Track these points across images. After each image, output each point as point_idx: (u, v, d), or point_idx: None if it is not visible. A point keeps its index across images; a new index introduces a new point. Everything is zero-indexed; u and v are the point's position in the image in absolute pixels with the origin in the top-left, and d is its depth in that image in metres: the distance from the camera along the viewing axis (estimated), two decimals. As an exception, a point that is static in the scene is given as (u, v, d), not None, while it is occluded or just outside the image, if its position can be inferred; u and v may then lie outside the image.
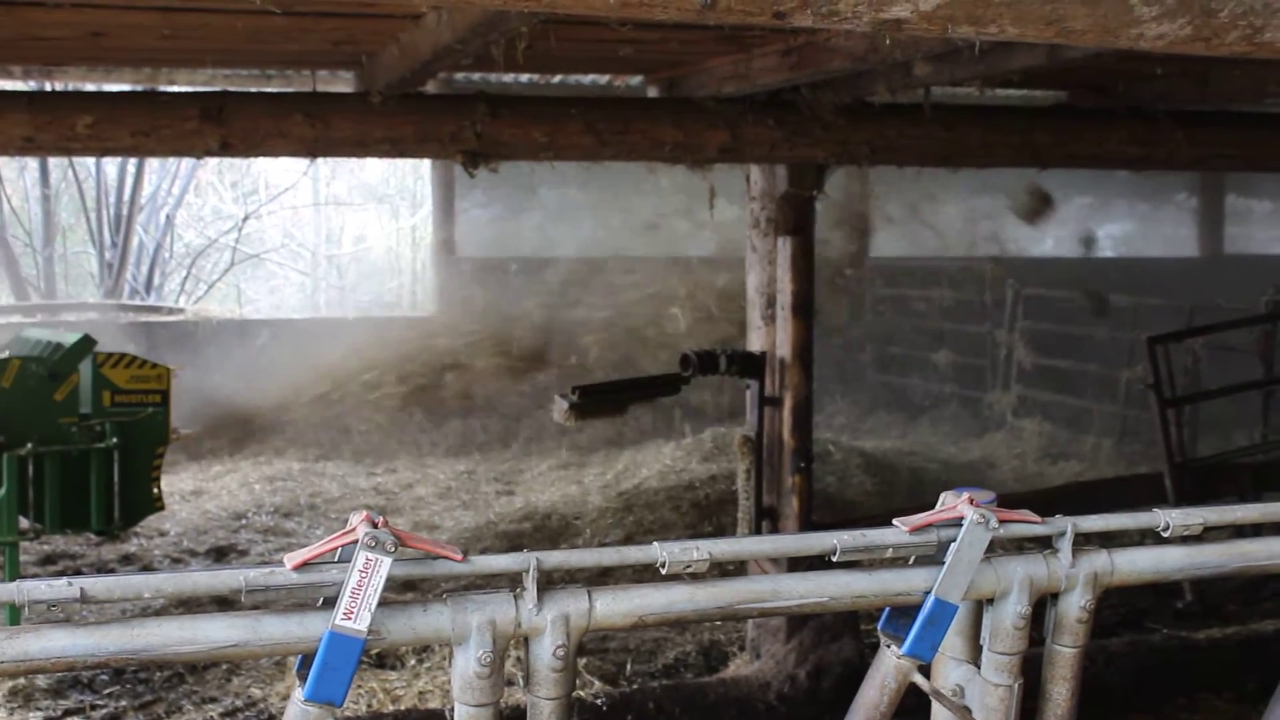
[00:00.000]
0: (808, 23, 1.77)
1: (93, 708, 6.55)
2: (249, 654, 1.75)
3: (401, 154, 5.93)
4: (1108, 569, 2.08)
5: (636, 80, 7.41)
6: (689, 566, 1.86)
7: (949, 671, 2.10)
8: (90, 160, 17.55)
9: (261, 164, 21.69)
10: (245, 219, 22.37)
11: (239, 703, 6.62)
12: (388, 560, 1.73)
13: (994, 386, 14.36)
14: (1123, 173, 12.00)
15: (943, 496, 2.04)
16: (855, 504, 10.65)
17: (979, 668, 2.08)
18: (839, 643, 6.48)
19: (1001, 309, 14.30)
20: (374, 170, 23.28)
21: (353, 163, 21.52)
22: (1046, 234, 16.79)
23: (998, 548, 2.03)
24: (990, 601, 2.05)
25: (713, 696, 6.43)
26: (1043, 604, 2.09)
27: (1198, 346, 11.17)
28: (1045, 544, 2.09)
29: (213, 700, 6.66)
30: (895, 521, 1.99)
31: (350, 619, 1.72)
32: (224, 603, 1.83)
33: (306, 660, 1.76)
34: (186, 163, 19.08)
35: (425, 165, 17.16)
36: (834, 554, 1.94)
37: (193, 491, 11.45)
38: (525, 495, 11.31)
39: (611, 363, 13.24)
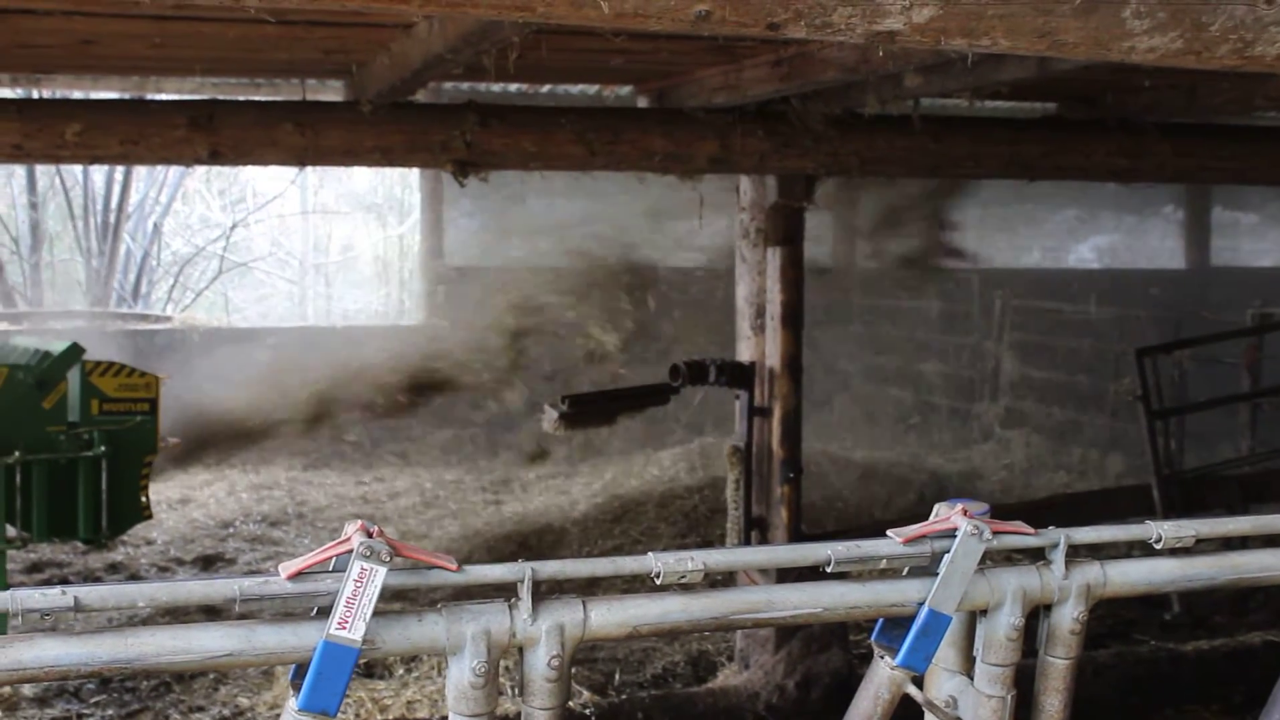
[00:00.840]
0: (801, 34, 1.78)
1: (80, 716, 6.52)
2: (243, 663, 1.75)
3: (391, 163, 5.92)
4: (1100, 580, 2.09)
5: (626, 90, 7.42)
6: (684, 577, 1.86)
7: (942, 683, 2.11)
8: (78, 167, 17.49)
9: (249, 172, 21.60)
10: (233, 227, 22.32)
11: (226, 711, 6.59)
12: (383, 570, 1.73)
13: (982, 397, 14.39)
14: (1110, 185, 12.04)
15: (936, 508, 2.04)
16: (843, 514, 10.66)
17: (972, 679, 2.08)
18: (827, 653, 6.49)
19: (990, 319, 14.34)
20: (362, 179, 23.21)
21: (341, 171, 21.47)
22: (1034, 245, 16.85)
23: (989, 559, 2.03)
24: (984, 613, 2.05)
25: (701, 706, 6.43)
26: (1034, 615, 2.09)
27: (1185, 359, 11.20)
28: (1037, 555, 2.10)
29: (200, 709, 6.62)
30: (889, 532, 2.00)
31: (345, 629, 1.72)
32: (211, 611, 1.82)
33: (300, 670, 1.75)
34: (174, 171, 19.01)
35: (414, 174, 17.14)
36: (828, 565, 1.94)
37: (180, 500, 11.41)
38: (513, 505, 11.29)
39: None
